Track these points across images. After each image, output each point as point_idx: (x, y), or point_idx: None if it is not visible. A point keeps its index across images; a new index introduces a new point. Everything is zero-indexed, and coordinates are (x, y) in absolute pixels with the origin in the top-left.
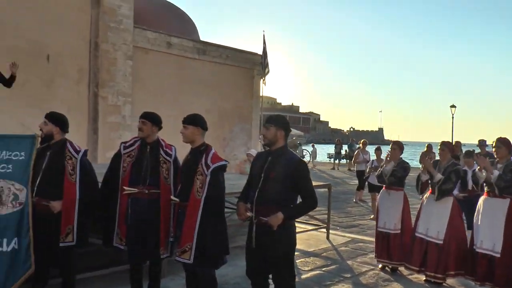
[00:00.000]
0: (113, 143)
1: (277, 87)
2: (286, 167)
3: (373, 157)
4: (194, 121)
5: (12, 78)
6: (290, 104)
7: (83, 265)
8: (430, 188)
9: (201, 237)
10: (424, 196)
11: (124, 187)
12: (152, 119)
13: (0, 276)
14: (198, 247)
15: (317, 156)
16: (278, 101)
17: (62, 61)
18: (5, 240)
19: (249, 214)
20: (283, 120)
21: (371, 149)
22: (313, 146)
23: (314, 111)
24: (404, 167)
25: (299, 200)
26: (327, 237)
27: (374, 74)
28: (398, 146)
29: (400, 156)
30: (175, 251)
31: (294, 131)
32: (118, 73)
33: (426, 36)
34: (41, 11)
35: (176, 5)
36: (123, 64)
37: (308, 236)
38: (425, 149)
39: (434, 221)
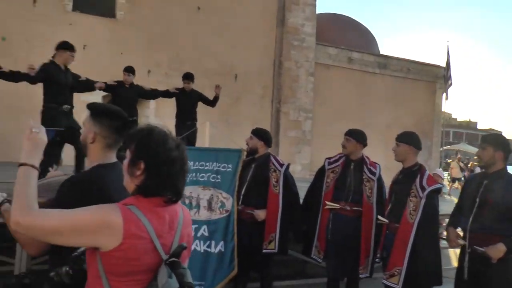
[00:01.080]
0: (292, 157)
1: (453, 101)
2: (506, 192)
3: None
4: (407, 139)
5: (216, 99)
6: (467, 119)
7: (279, 273)
8: None
9: (413, 262)
10: None
11: (326, 202)
12: (356, 137)
13: (209, 274)
14: (408, 273)
15: None
16: (453, 116)
17: (248, 79)
18: (213, 243)
19: (461, 242)
20: (502, 140)
21: None
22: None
23: (495, 128)
24: None
25: None
26: None
27: None
28: None
29: None
30: (373, 268)
31: (471, 149)
32: (299, 90)
33: None
34: (231, 36)
35: (357, 19)
36: (305, 80)
37: None
38: None
39: None
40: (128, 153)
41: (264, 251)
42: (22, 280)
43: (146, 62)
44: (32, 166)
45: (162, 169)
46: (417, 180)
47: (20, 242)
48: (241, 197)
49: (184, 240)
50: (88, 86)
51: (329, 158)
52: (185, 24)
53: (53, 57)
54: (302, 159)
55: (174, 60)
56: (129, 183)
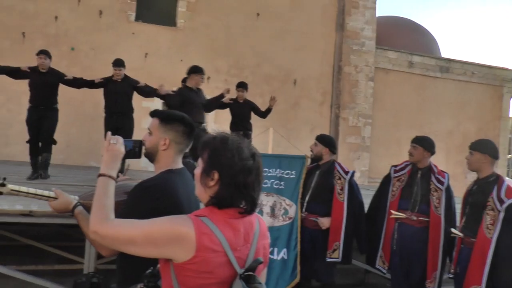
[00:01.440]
0: (351, 164)
1: None
2: None
3: None
4: (482, 147)
5: (269, 110)
6: None
7: (340, 282)
8: None
9: (493, 281)
10: None
11: (392, 211)
12: (424, 144)
13: (271, 281)
14: None
15: None
16: None
17: (307, 85)
18: (275, 250)
19: None
20: None
21: None
22: None
23: None
24: None
25: None
26: None
27: None
28: None
29: None
30: (441, 282)
31: None
32: (359, 95)
33: None
34: (290, 41)
35: (418, 22)
36: (364, 85)
37: None
38: None
39: None
40: (200, 162)
41: (327, 259)
42: (91, 279)
43: (206, 68)
44: (110, 177)
45: (237, 179)
46: (494, 192)
47: (94, 245)
48: (305, 204)
49: (260, 253)
50: (151, 92)
51: (395, 166)
52: (245, 30)
53: (183, 81)
54: (361, 166)
55: (234, 67)
56: (202, 194)
